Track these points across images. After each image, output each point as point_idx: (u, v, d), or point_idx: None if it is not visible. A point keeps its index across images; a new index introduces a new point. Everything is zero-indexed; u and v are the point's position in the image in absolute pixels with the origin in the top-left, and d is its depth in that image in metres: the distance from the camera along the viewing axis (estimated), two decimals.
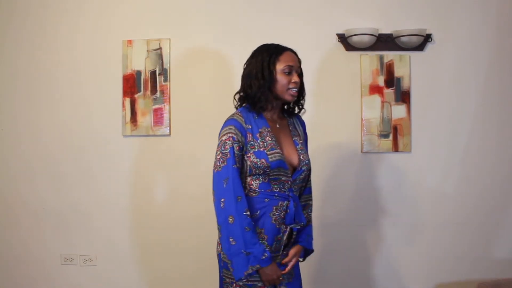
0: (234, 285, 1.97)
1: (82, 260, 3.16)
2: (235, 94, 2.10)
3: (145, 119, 3.12)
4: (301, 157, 2.02)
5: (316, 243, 3.07)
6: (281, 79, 1.95)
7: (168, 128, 3.13)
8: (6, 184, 3.20)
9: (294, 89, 1.98)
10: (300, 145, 2.07)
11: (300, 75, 2.05)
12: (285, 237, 2.00)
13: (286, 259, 2.03)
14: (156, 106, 3.13)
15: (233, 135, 1.91)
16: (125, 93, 3.13)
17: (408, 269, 3.13)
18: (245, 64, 2.07)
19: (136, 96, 3.13)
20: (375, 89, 3.11)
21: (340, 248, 3.13)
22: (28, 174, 3.19)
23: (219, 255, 2.03)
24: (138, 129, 3.13)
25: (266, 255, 1.87)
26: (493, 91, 3.14)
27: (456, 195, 3.13)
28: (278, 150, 1.94)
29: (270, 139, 1.95)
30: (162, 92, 3.13)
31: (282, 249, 2.02)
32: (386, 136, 3.12)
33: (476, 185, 3.13)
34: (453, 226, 3.12)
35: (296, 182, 2.02)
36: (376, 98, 3.12)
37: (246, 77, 2.00)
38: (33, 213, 3.18)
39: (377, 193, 3.13)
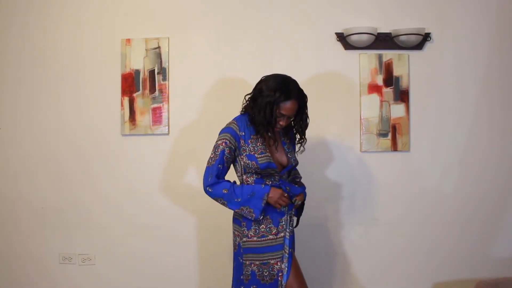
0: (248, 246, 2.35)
1: (80, 259, 3.16)
2: (246, 95, 2.40)
3: (143, 118, 3.12)
4: (288, 155, 2.44)
5: (316, 243, 3.11)
6: (275, 118, 2.32)
7: (167, 127, 3.13)
8: (5, 183, 3.20)
9: (279, 127, 2.37)
10: (287, 144, 2.48)
11: (302, 109, 2.37)
12: (288, 216, 2.39)
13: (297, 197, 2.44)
14: (155, 105, 3.13)
15: (227, 141, 2.32)
16: (124, 92, 3.13)
17: (407, 268, 3.13)
18: (257, 84, 2.35)
19: (134, 95, 3.13)
20: (374, 88, 3.11)
21: (339, 247, 3.13)
22: (27, 173, 3.19)
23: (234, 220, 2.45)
24: (136, 128, 3.13)
25: (263, 185, 2.30)
26: (492, 90, 3.14)
27: (454, 194, 3.13)
28: (267, 154, 2.33)
29: (260, 144, 2.34)
30: (160, 91, 3.13)
31: (289, 223, 2.39)
32: (385, 135, 3.12)
33: (475, 184, 3.14)
34: (452, 225, 3.13)
35: (284, 175, 2.44)
36: (375, 97, 3.11)
37: (253, 99, 2.34)
38: (32, 212, 3.18)
39: (376, 192, 3.12)
